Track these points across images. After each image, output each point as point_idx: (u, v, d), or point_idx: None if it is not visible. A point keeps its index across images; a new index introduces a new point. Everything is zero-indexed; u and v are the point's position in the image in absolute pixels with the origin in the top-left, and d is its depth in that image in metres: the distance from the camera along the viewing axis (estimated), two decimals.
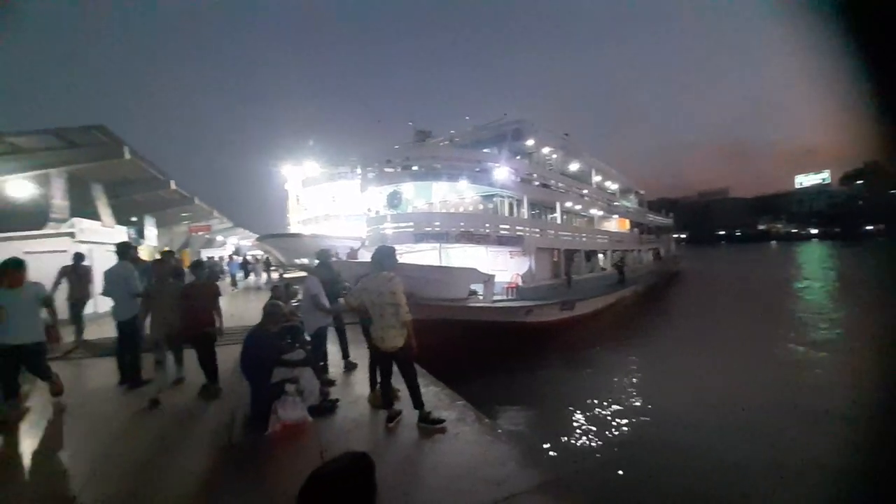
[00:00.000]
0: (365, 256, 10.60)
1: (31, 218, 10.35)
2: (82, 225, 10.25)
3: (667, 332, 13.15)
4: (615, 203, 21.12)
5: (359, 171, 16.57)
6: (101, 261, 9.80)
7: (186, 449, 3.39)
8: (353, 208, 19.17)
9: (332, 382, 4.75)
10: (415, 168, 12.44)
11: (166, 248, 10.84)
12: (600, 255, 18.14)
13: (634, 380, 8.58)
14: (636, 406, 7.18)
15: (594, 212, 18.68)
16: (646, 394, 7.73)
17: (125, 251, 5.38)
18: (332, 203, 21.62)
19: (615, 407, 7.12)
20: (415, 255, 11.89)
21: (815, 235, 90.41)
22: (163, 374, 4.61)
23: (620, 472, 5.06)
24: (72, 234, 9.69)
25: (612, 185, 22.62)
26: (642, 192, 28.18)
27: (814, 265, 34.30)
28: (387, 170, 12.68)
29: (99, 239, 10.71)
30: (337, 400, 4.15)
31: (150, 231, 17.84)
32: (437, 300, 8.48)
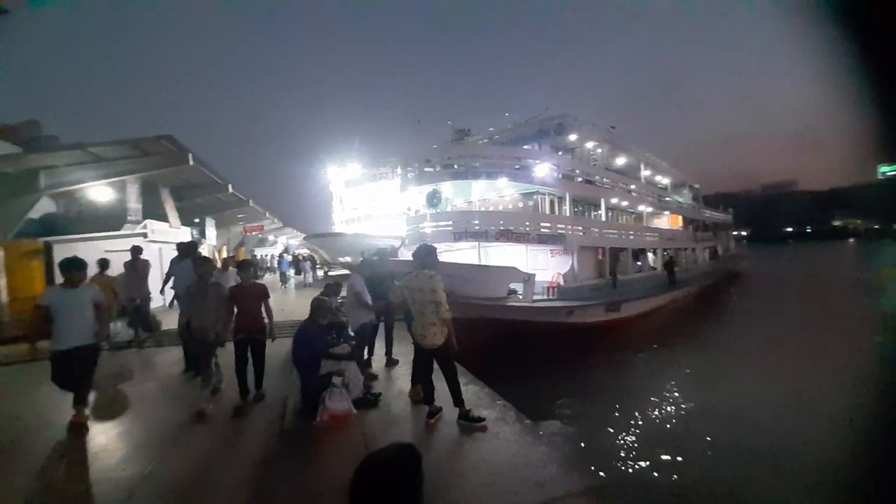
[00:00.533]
0: (404, 255, 10.83)
1: (110, 220, 11.56)
2: (153, 226, 11.30)
3: (722, 338, 12.22)
4: (666, 198, 19.89)
5: (399, 171, 16.90)
6: (169, 259, 10.78)
7: (245, 433, 3.63)
8: (394, 208, 19.59)
9: (375, 377, 4.90)
10: (454, 167, 12.47)
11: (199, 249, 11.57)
12: (650, 255, 17.19)
13: (683, 386, 8.06)
14: (685, 413, 6.75)
15: (643, 208, 17.70)
16: (696, 401, 7.24)
17: (187, 250, 5.77)
18: (373, 203, 22.24)
19: (662, 413, 6.75)
20: (453, 253, 11.93)
21: None
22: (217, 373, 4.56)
23: (665, 481, 4.79)
24: (145, 234, 10.73)
25: (664, 180, 21.34)
26: (697, 186, 26.31)
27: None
28: (426, 169, 12.80)
29: (167, 239, 11.76)
30: (380, 394, 4.27)
31: (211, 231, 19.31)
32: (475, 299, 8.46)
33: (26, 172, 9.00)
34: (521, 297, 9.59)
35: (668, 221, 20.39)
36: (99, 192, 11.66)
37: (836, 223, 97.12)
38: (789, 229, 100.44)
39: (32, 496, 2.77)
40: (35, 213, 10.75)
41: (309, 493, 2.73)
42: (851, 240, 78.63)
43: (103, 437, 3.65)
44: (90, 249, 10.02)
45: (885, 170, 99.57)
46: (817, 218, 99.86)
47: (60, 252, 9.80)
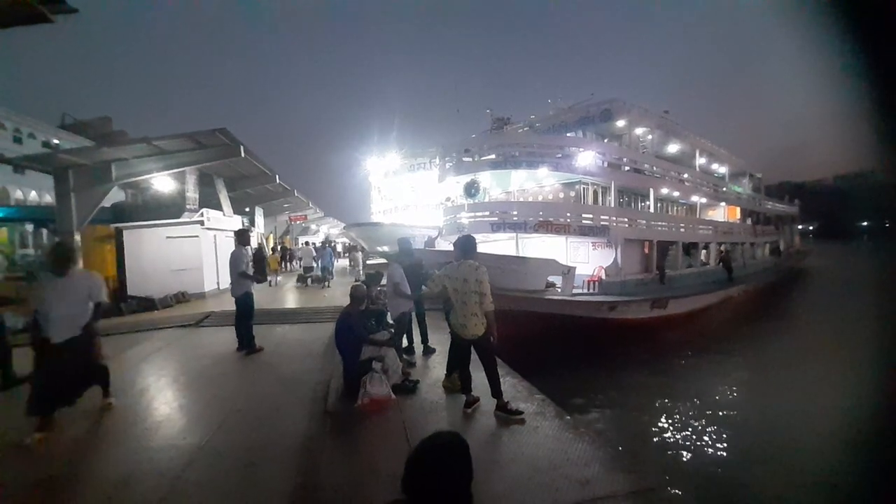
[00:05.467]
0: (441, 245, 10.83)
1: (172, 208, 12.49)
2: (209, 214, 12.07)
3: (780, 340, 11.28)
4: (723, 189, 18.43)
5: (437, 161, 16.87)
6: (224, 245, 11.48)
7: (292, 411, 3.81)
8: (432, 198, 19.66)
9: (413, 364, 4.96)
10: (492, 157, 12.25)
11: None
12: (703, 249, 16.08)
13: (734, 389, 7.55)
14: (735, 417, 6.34)
15: (696, 199, 16.56)
16: (749, 407, 6.78)
17: (241, 237, 6.05)
18: (412, 193, 22.44)
19: (712, 417, 6.35)
20: (490, 244, 11.80)
21: None
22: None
23: (713, 487, 4.52)
24: (202, 222, 11.48)
25: (721, 168, 19.83)
26: (759, 175, 24.19)
27: None
28: (464, 159, 12.68)
29: (221, 227, 12.53)
30: (417, 381, 4.32)
31: (259, 220, 20.38)
32: (513, 291, 8.33)
33: (101, 164, 9.86)
34: (559, 290, 9.33)
35: (724, 213, 18.95)
36: (162, 183, 12.60)
37: None
38: (865, 223, 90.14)
39: (103, 460, 3.06)
40: (107, 201, 11.82)
41: (350, 469, 2.82)
42: None
43: (167, 408, 3.97)
44: (154, 235, 10.94)
45: None
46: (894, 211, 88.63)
47: (130, 237, 10.76)
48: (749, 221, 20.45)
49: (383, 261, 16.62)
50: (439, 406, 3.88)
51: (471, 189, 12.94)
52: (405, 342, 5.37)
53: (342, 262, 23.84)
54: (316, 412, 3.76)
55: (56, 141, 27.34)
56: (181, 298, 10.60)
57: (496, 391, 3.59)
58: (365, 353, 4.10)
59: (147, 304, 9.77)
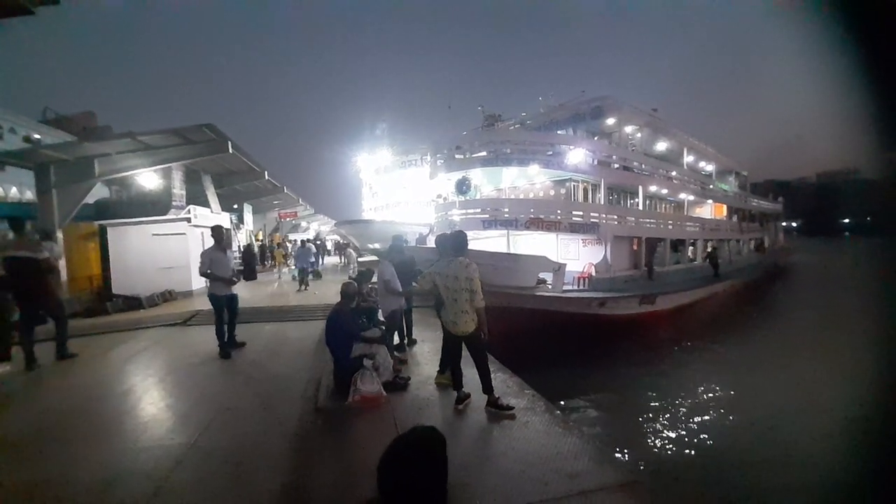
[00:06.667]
0: (431, 243, 10.80)
1: (157, 205, 12.25)
2: (196, 211, 11.87)
3: (764, 335, 11.52)
4: (710, 186, 18.71)
5: (428, 158, 16.81)
6: (212, 243, 11.28)
7: (282, 409, 3.78)
8: (423, 195, 19.61)
9: (404, 361, 4.96)
10: (483, 154, 12.25)
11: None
12: (690, 246, 16.33)
13: (721, 384, 7.69)
14: (722, 412, 6.47)
15: (684, 196, 16.78)
16: (736, 400, 6.93)
17: (214, 234, 5.68)
18: (403, 190, 22.36)
19: (698, 411, 6.50)
20: (482, 241, 11.82)
21: None
22: None
23: (704, 481, 4.62)
24: (188, 219, 11.28)
25: (708, 166, 20.12)
26: (745, 173, 24.60)
27: None
28: (456, 156, 12.67)
29: (209, 223, 12.32)
30: (409, 378, 4.32)
31: (248, 217, 20.12)
32: (504, 287, 8.37)
33: (83, 160, 9.62)
34: (550, 286, 9.39)
35: (711, 211, 19.26)
36: (147, 179, 12.34)
37: None
38: (846, 221, 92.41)
39: (86, 459, 3.01)
40: (90, 198, 11.54)
41: (341, 468, 2.82)
42: None
43: (153, 408, 3.91)
44: (139, 232, 10.73)
45: None
46: (883, 208, 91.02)
47: (114, 234, 10.54)
48: (735, 218, 20.80)
49: (375, 258, 16.55)
50: (431, 402, 3.89)
51: (462, 186, 12.92)
52: (396, 339, 5.38)
53: (332, 260, 23.69)
54: (306, 410, 3.74)
55: (37, 136, 26.59)
56: (168, 297, 10.42)
57: (487, 387, 3.62)
58: (356, 351, 4.09)
59: (133, 302, 9.59)
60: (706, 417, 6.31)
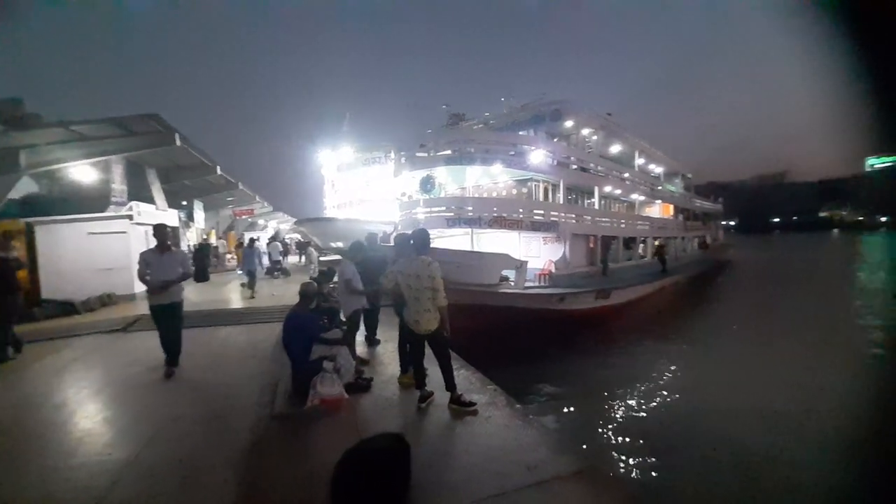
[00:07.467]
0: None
1: (95, 201, 11.25)
2: (139, 208, 11.03)
3: (709, 325, 12.47)
4: (659, 187, 19.94)
5: (392, 155, 16.65)
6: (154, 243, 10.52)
7: (234, 418, 3.61)
8: (387, 193, 19.39)
9: (366, 361, 4.89)
10: (448, 152, 12.30)
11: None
12: (641, 243, 17.32)
13: (672, 371, 8.24)
14: (675, 398, 6.92)
15: (635, 197, 17.76)
16: (684, 386, 7.45)
17: (156, 234, 4.85)
18: (367, 187, 21.99)
19: (652, 398, 6.90)
20: (446, 240, 11.88)
21: (884, 224, 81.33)
22: None
23: (658, 466, 4.93)
24: (130, 217, 10.46)
25: (657, 168, 21.36)
26: (690, 175, 26.41)
27: (873, 258, 31.14)
28: (419, 154, 12.62)
29: (154, 221, 11.49)
30: (371, 378, 4.26)
31: (199, 214, 18.96)
32: (467, 285, 8.46)
33: (6, 151, 8.66)
34: (513, 283, 9.62)
35: (659, 210, 20.51)
36: (82, 172, 11.31)
37: (823, 214, 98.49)
38: (777, 219, 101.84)
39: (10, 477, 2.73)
40: (16, 193, 10.41)
41: (300, 477, 2.73)
42: (835, 231, 79.99)
43: (89, 422, 3.60)
44: (73, 230, 9.83)
45: (873, 162, 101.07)
46: (805, 209, 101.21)
47: (43, 233, 9.57)
48: (681, 218, 22.30)
49: (338, 257, 16.19)
50: (393, 403, 3.86)
51: (426, 184, 12.90)
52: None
53: (292, 259, 22.84)
54: (262, 417, 3.59)
55: None
56: (107, 301, 9.61)
57: (450, 384, 3.65)
58: (315, 353, 3.98)
59: (66, 307, 8.75)
60: (657, 404, 6.72)
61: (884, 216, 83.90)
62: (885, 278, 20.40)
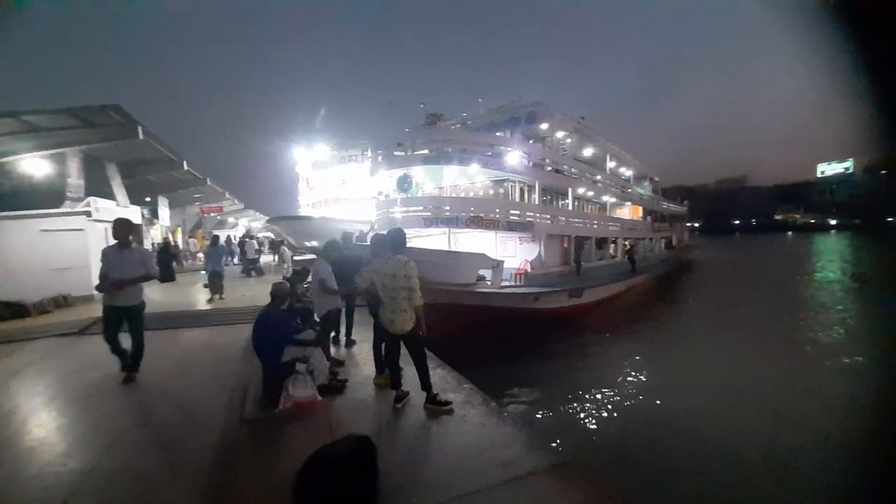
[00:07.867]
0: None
1: (47, 197, 10.55)
2: (98, 204, 10.42)
3: (676, 321, 13.03)
4: (629, 190, 20.68)
5: (369, 154, 16.45)
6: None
7: (202, 423, 3.48)
8: (364, 192, 19.14)
9: (341, 363, 4.82)
10: (425, 151, 12.29)
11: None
12: (612, 243, 17.90)
13: (642, 367, 8.55)
14: (644, 393, 7.18)
15: (607, 198, 18.33)
16: (654, 381, 7.73)
17: (116, 230, 4.66)
18: (343, 186, 21.62)
19: (622, 393, 7.13)
20: (423, 239, 11.87)
21: (833, 226, 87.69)
22: None
23: (627, 458, 5.11)
24: (88, 213, 9.87)
25: (627, 172, 22.12)
26: (657, 178, 27.51)
27: (825, 257, 33.51)
28: (397, 153, 12.55)
29: (114, 218, 10.89)
30: (346, 380, 4.21)
31: (164, 211, 18.12)
32: (444, 285, 8.49)
33: None
34: (489, 283, 9.72)
35: (629, 212, 21.25)
36: (35, 166, 10.58)
37: (778, 217, 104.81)
38: (737, 222, 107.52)
39: None
40: None
41: (273, 484, 2.65)
42: (790, 233, 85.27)
43: (42, 431, 3.38)
44: (24, 227, 9.20)
45: (824, 169, 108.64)
46: (763, 212, 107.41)
47: None
48: (649, 219, 23.19)
49: (313, 256, 15.86)
50: (368, 404, 3.83)
51: (404, 183, 12.83)
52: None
53: (265, 258, 22.16)
54: (231, 422, 3.48)
55: None
56: (62, 302, 9.04)
57: (426, 384, 3.65)
58: (287, 355, 3.89)
59: (17, 309, 8.16)
60: (627, 399, 6.95)
61: (833, 219, 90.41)
62: (839, 268, 21.94)
